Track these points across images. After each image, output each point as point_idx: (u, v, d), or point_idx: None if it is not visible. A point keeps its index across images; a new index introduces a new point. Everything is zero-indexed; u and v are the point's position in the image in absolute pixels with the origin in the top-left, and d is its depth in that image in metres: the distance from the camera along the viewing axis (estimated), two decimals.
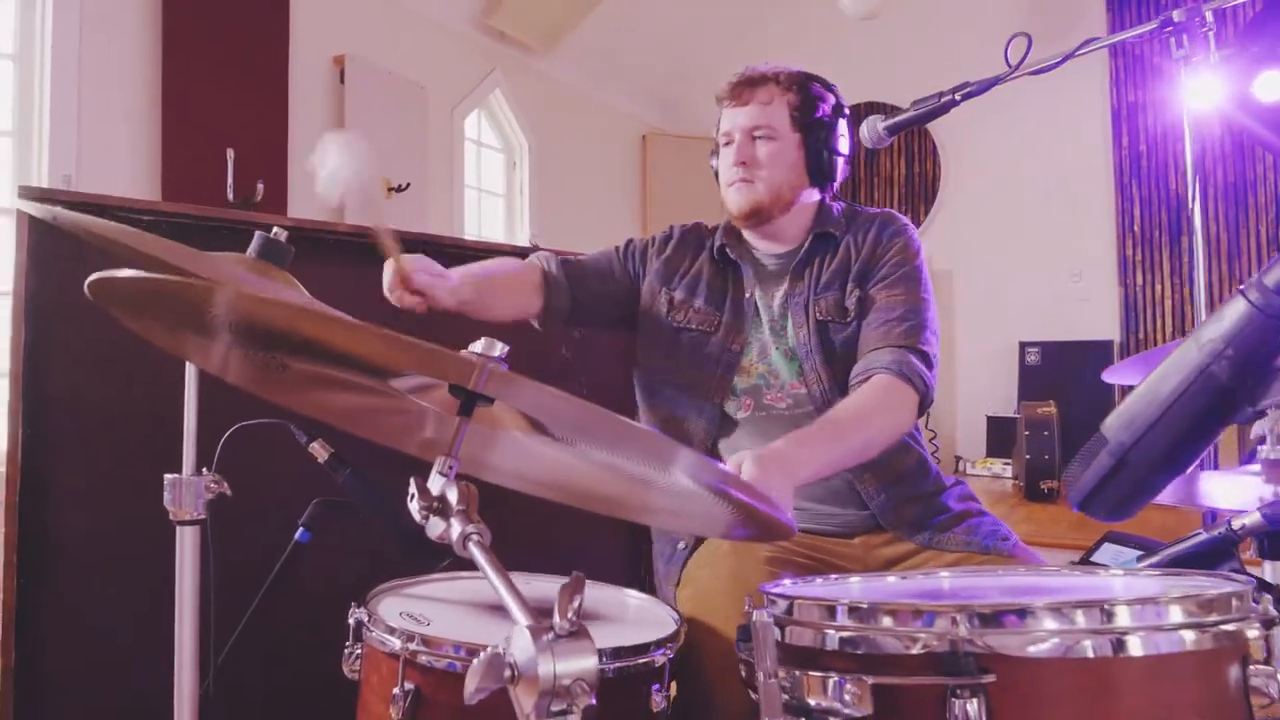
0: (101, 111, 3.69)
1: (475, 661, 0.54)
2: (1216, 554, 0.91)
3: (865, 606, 0.65)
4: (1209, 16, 1.61)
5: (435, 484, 0.72)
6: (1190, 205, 1.65)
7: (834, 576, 0.86)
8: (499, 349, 0.76)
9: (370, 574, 1.25)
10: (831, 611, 0.66)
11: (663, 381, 1.57)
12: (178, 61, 3.94)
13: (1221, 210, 5.07)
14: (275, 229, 1.07)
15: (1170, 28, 1.62)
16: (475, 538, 0.67)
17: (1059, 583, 0.80)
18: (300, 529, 1.25)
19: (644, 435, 0.73)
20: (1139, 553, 1.79)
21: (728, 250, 1.59)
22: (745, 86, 1.51)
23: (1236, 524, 0.89)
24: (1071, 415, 4.47)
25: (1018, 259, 5.69)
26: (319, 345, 0.76)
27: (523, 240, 5.85)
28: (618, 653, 1.04)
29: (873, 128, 1.49)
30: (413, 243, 2.05)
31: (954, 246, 5.83)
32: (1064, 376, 5.27)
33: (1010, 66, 1.42)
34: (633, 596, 1.29)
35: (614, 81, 6.41)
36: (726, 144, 1.54)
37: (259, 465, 1.25)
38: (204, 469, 1.08)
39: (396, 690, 1.00)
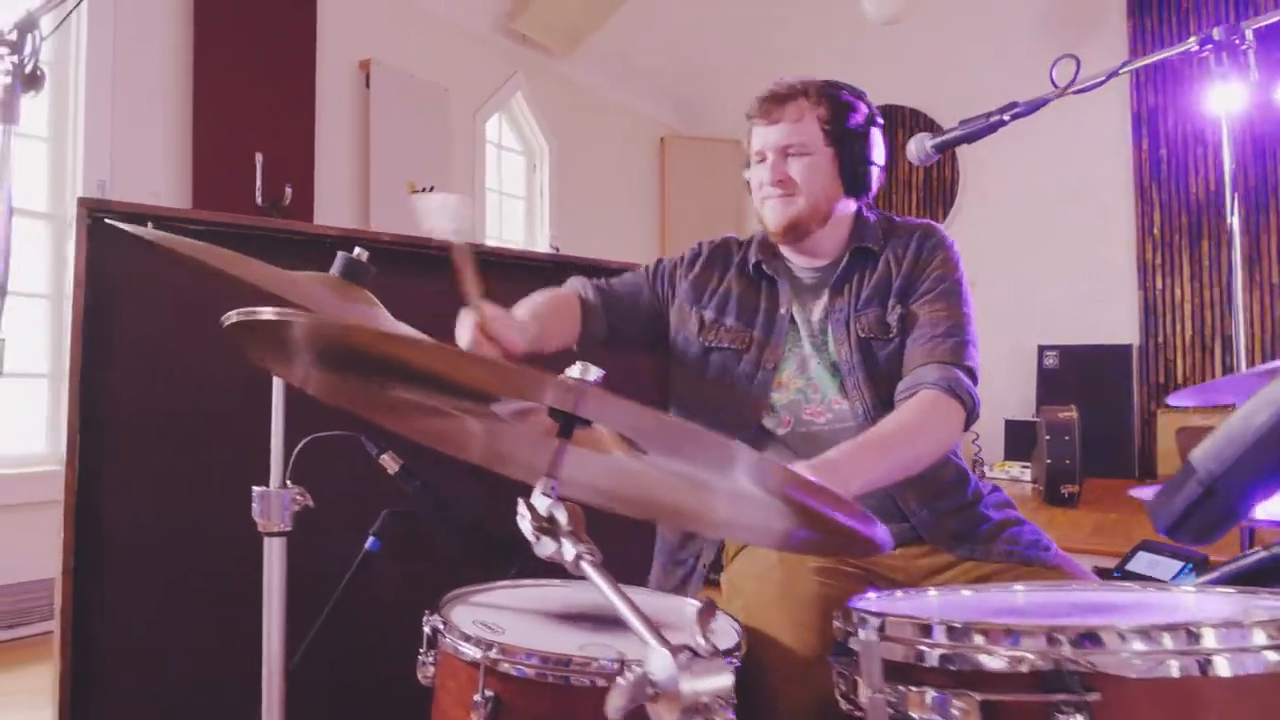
0: (135, 116, 3.75)
1: (620, 681, 0.57)
2: (1276, 571, 0.94)
3: (959, 626, 0.68)
4: (1249, 35, 1.64)
5: (541, 504, 0.76)
6: (1230, 219, 1.67)
7: (912, 590, 0.89)
8: (595, 373, 0.80)
9: (433, 582, 1.28)
10: (927, 630, 0.69)
11: (697, 403, 1.57)
12: (209, 67, 4.00)
13: (1243, 214, 5.07)
14: (357, 249, 1.10)
15: (1210, 45, 1.65)
16: (588, 558, 0.70)
17: (1132, 599, 0.83)
18: (370, 538, 1.29)
19: (736, 452, 0.76)
20: (1179, 563, 1.82)
21: (763, 266, 1.60)
22: (773, 103, 1.50)
23: None
24: (1090, 419, 4.48)
25: (1036, 262, 5.70)
26: (427, 374, 0.80)
27: (543, 242, 5.89)
28: None
29: (920, 145, 1.51)
30: (432, 250, 2.10)
31: (972, 249, 5.79)
32: (1083, 380, 5.29)
33: (1056, 86, 1.45)
34: (691, 605, 1.32)
35: (633, 84, 6.44)
36: (759, 161, 1.54)
37: (329, 475, 1.29)
38: (287, 481, 1.12)
39: (477, 697, 1.03)
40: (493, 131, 5.60)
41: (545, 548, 0.73)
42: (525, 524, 0.74)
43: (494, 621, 1.17)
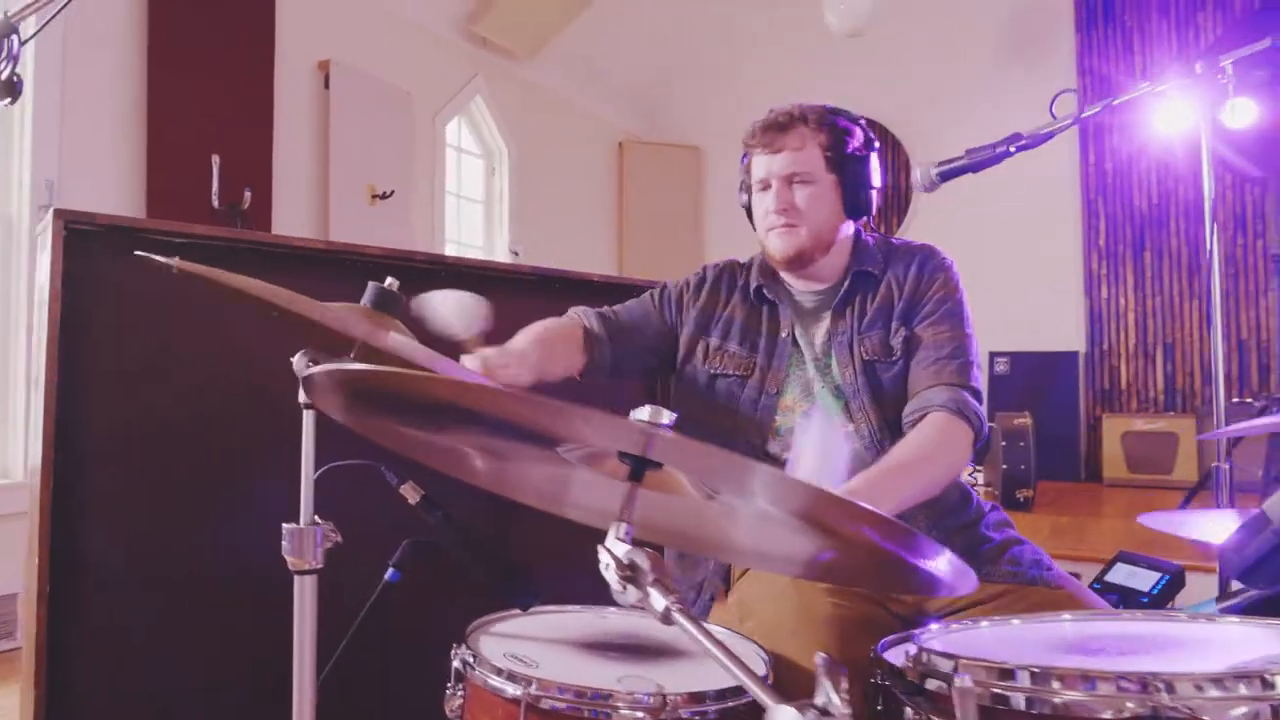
0: (85, 115, 3.61)
1: None
2: None
3: (1038, 670, 0.70)
4: (1229, 69, 1.71)
5: (620, 550, 0.75)
6: (1209, 247, 1.74)
7: (966, 621, 0.91)
8: (667, 416, 0.80)
9: (451, 612, 1.26)
10: (1009, 674, 0.71)
11: (702, 429, 1.57)
12: (163, 64, 3.87)
13: (1183, 227, 5.30)
14: (389, 279, 1.08)
15: (1190, 79, 1.72)
16: (678, 608, 0.70)
17: (1187, 634, 0.86)
18: (390, 569, 1.27)
19: (801, 489, 0.77)
20: (1156, 574, 1.89)
21: (764, 290, 1.61)
22: (775, 132, 1.51)
23: None
24: (1040, 423, 4.61)
25: (987, 270, 5.83)
26: (493, 419, 0.79)
27: (502, 247, 5.84)
28: (721, 694, 1.07)
29: (926, 173, 1.54)
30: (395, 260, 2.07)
31: None
32: (1033, 386, 5.44)
33: (1055, 118, 1.50)
34: (713, 629, 1.33)
35: (593, 88, 6.43)
36: (763, 189, 1.55)
37: (346, 505, 1.26)
38: (316, 518, 1.09)
39: None
40: (452, 135, 5.53)
41: (629, 596, 0.73)
42: (610, 574, 0.73)
43: (524, 654, 1.16)
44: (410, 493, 1.24)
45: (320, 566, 1.07)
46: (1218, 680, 0.65)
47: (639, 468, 0.81)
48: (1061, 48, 5.64)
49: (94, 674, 1.56)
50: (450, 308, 1.21)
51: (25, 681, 1.61)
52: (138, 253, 0.98)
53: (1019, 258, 5.75)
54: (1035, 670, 0.71)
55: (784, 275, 1.64)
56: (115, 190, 3.75)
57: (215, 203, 4.03)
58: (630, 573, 0.73)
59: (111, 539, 1.59)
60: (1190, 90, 1.76)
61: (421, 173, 5.14)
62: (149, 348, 1.69)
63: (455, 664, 1.15)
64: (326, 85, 4.58)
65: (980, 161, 1.52)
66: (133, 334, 1.69)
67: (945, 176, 1.53)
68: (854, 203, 1.56)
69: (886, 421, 1.52)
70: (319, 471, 1.25)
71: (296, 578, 1.07)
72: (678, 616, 0.70)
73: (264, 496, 1.69)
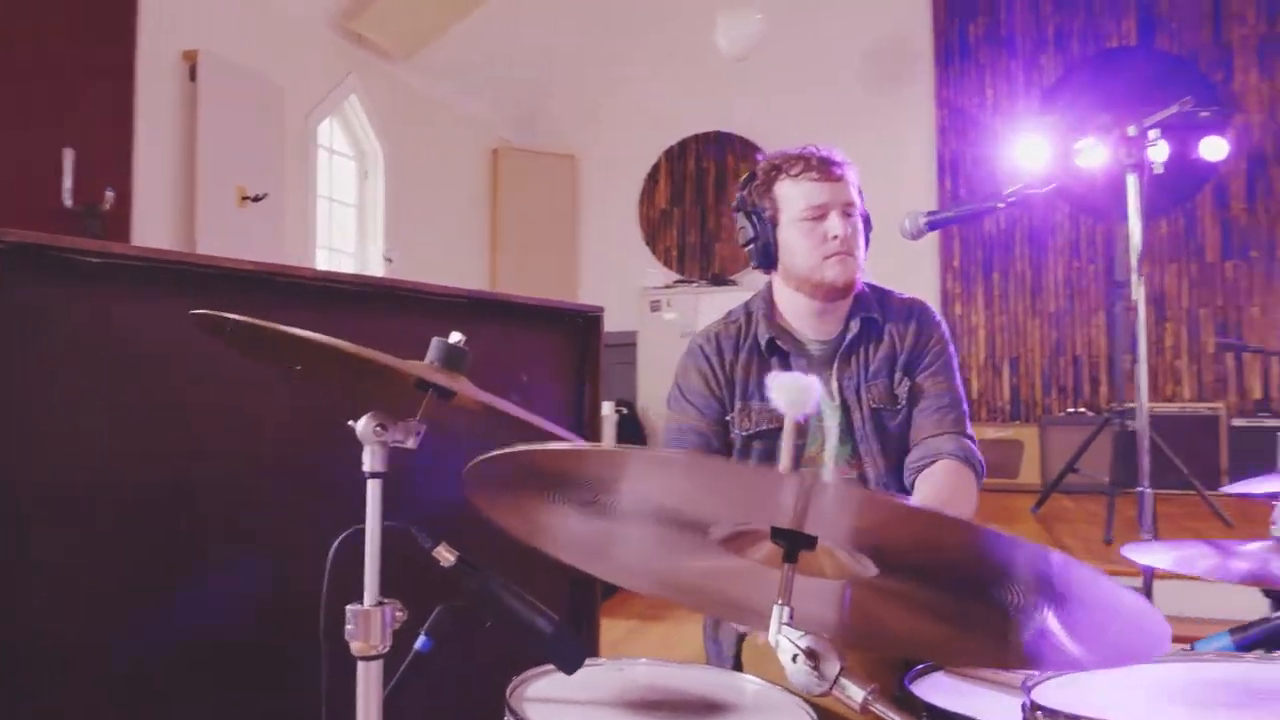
0: None
1: None
2: None
3: None
4: (1153, 135, 1.88)
5: (794, 637, 0.74)
6: (1134, 291, 1.90)
7: (1096, 672, 0.93)
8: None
9: (474, 672, 1.20)
10: None
11: None
12: (5, 47, 3.45)
13: (1026, 252, 5.80)
14: (454, 334, 1.01)
15: (1124, 143, 1.89)
16: (873, 695, 0.70)
17: None
18: (421, 637, 1.18)
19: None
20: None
21: (778, 342, 1.62)
22: (832, 164, 1.55)
23: None
24: None
25: None
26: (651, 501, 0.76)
27: (375, 254, 5.59)
28: None
29: (914, 221, 1.61)
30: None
31: None
32: None
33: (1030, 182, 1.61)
34: (749, 681, 1.32)
35: (471, 93, 6.27)
36: (816, 218, 1.55)
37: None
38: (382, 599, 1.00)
39: None
40: (324, 135, 5.25)
41: (816, 686, 0.72)
42: (799, 665, 0.72)
43: None
44: (444, 554, 1.16)
45: (387, 650, 0.99)
46: None
47: (793, 547, 0.80)
48: (920, 80, 6.04)
49: None
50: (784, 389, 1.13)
51: None
52: (194, 312, 0.86)
53: (880, 277, 6.09)
54: None
55: (792, 323, 1.64)
56: None
57: (69, 202, 3.64)
58: (815, 662, 0.73)
59: (64, 609, 1.39)
60: (1114, 144, 1.93)
61: (293, 174, 4.84)
62: (81, 390, 1.47)
63: None
64: (193, 77, 4.23)
65: (966, 214, 1.61)
66: (58, 374, 1.47)
67: (933, 226, 1.61)
68: (867, 246, 1.62)
69: (890, 466, 1.58)
70: (343, 535, 1.16)
71: (360, 664, 0.98)
72: (876, 706, 0.70)
73: (234, 564, 1.52)
